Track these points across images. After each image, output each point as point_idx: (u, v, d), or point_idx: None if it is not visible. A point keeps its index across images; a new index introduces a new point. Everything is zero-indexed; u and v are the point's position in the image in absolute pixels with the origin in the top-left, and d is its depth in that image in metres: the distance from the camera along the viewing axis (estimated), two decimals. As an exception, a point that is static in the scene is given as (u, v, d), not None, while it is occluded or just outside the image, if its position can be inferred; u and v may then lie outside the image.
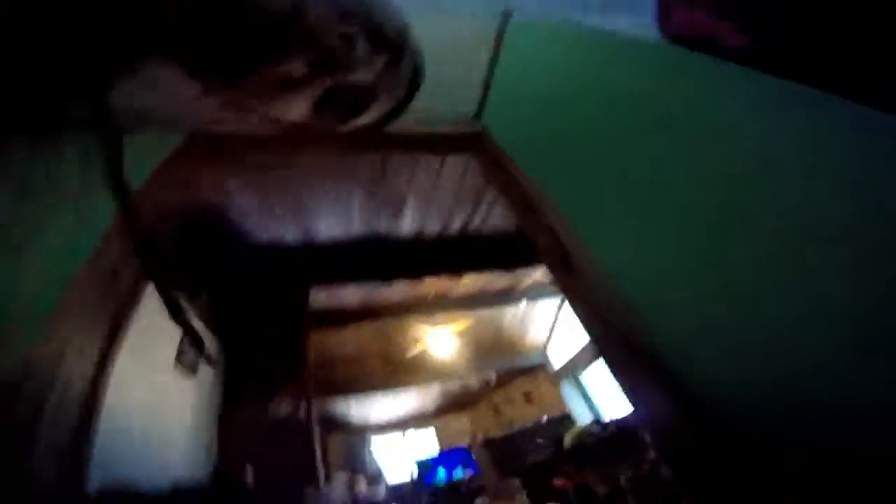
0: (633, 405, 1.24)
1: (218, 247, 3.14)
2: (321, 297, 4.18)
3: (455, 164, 2.78)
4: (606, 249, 1.26)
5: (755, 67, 0.80)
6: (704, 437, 0.98)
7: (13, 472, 0.70)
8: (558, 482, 3.84)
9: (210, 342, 3.32)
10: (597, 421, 5.10)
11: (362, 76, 0.59)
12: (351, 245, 3.44)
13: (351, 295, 4.31)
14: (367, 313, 4.63)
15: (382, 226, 3.35)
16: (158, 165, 1.28)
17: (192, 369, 2.97)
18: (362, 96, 0.62)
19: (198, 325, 3.11)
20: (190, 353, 2.93)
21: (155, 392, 2.61)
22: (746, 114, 0.87)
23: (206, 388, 3.24)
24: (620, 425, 3.71)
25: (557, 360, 6.37)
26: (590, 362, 5.73)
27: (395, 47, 0.65)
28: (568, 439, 3.95)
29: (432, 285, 4.45)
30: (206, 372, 3.23)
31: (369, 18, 0.57)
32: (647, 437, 3.04)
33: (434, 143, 1.97)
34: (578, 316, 1.42)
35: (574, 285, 1.39)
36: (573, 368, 6.05)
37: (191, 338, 2.90)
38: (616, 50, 1.23)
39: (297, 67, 0.53)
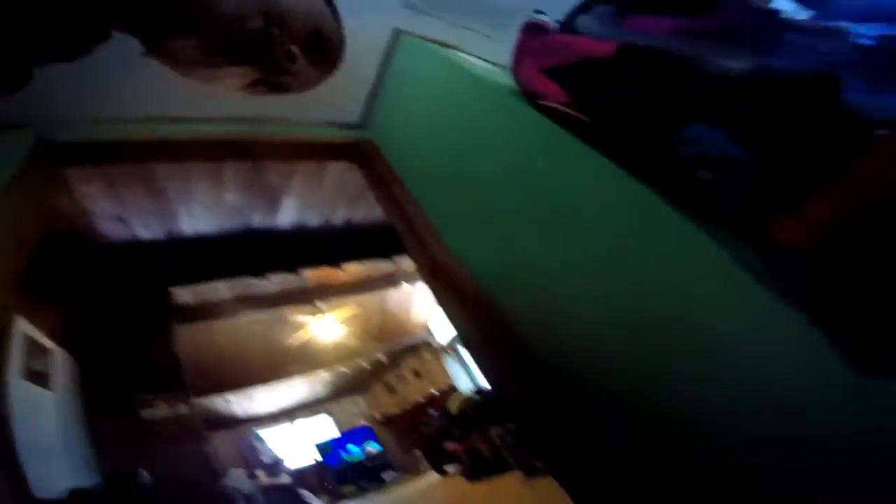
0: (486, 379, 1.56)
1: (72, 254, 2.85)
2: (189, 294, 4.00)
3: (338, 166, 2.84)
4: (470, 255, 1.54)
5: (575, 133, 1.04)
6: (537, 397, 1.31)
7: None
8: (451, 447, 4.24)
9: (58, 352, 3.05)
10: (477, 389, 5.69)
11: (292, 79, 0.73)
12: (222, 240, 3.33)
13: (223, 289, 4.18)
14: (243, 306, 4.52)
15: (257, 221, 3.30)
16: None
17: (39, 379, 2.75)
18: (285, 88, 0.76)
19: (40, 337, 2.86)
20: (35, 365, 2.72)
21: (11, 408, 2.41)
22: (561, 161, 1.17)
23: (66, 398, 3.02)
24: (489, 392, 4.21)
25: (440, 336, 6.87)
26: (468, 336, 6.28)
27: (328, 65, 0.79)
28: (453, 407, 4.41)
29: (313, 276, 4.50)
30: (61, 383, 3.00)
31: (316, 41, 0.71)
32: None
33: (314, 151, 2.00)
34: (447, 315, 1.68)
35: (442, 290, 1.64)
36: (453, 344, 6.59)
37: (32, 350, 2.70)
38: (482, 88, 1.45)
39: (244, 61, 0.66)
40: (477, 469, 3.87)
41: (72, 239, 2.73)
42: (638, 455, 1.02)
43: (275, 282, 4.35)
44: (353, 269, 4.71)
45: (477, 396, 4.61)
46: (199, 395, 5.63)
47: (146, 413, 3.34)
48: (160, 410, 3.41)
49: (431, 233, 1.57)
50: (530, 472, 2.89)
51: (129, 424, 3.22)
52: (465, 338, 1.58)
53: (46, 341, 2.92)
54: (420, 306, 6.41)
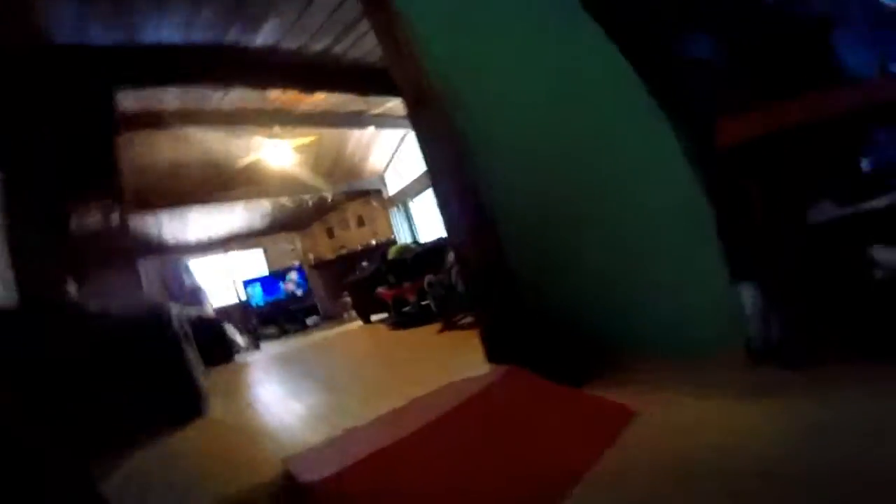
0: (447, 223, 1.72)
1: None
2: (134, 102, 3.48)
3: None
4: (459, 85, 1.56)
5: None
6: (491, 253, 1.52)
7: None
8: (381, 291, 4.35)
9: None
10: (414, 241, 5.96)
11: None
12: (186, 50, 2.88)
13: (172, 100, 3.68)
14: (193, 119, 4.06)
15: (231, 37, 2.89)
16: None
17: None
18: None
19: None
20: None
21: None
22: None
23: None
24: (431, 245, 4.32)
25: (392, 187, 6.90)
26: (418, 193, 6.43)
27: None
28: (392, 252, 4.49)
29: (275, 98, 4.10)
30: None
31: None
32: (450, 253, 3.39)
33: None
34: (420, 142, 1.75)
35: (422, 117, 1.66)
36: (403, 196, 6.70)
37: None
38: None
39: None
40: (400, 318, 4.02)
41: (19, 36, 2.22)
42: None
43: (231, 98, 3.92)
44: (319, 100, 4.36)
45: (416, 247, 4.66)
46: (132, 211, 5.27)
47: (75, 223, 3.14)
48: (92, 220, 3.23)
49: (419, 60, 1.57)
50: (448, 326, 3.06)
51: (59, 237, 3.04)
52: (433, 174, 1.72)
53: None
54: (379, 153, 6.25)
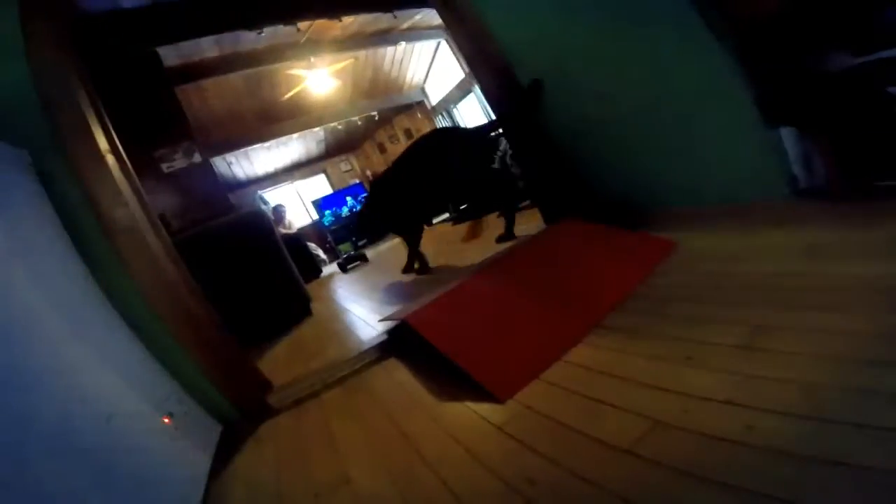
0: (494, 110, 1.94)
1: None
2: (176, 56, 3.71)
3: None
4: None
5: None
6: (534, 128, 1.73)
7: None
8: None
9: None
10: None
11: None
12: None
13: (210, 49, 3.86)
14: (234, 64, 4.25)
15: None
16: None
17: None
18: None
19: None
20: None
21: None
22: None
23: None
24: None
25: (433, 97, 6.79)
26: (460, 98, 6.29)
27: None
28: None
29: (305, 29, 4.12)
30: None
31: None
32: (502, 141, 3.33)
33: None
34: (458, 46, 1.94)
35: (455, 22, 1.83)
36: (446, 104, 6.59)
37: None
38: None
39: None
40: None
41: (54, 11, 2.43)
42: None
43: (265, 37, 4.01)
44: (348, 24, 4.30)
45: None
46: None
47: (165, 167, 3.62)
48: (178, 163, 3.68)
49: None
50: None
51: (154, 178, 3.54)
52: (474, 69, 1.97)
53: None
54: (416, 66, 6.10)
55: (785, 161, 1.11)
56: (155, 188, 3.47)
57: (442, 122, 6.88)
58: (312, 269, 4.97)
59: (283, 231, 5.80)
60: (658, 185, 1.48)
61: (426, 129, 7.31)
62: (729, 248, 1.10)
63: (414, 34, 4.79)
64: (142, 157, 3.44)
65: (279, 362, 1.80)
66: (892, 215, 0.88)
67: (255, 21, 3.44)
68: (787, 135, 1.10)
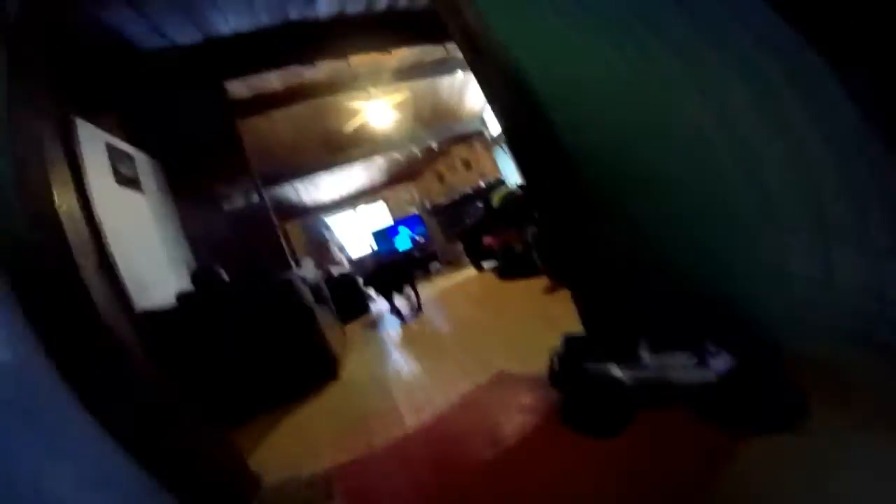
0: (524, 177, 1.58)
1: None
2: (244, 88, 3.87)
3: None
4: (511, 37, 1.39)
5: None
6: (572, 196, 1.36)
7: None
8: (487, 241, 4.16)
9: (139, 157, 3.19)
10: (520, 185, 5.61)
11: None
12: (262, 35, 3.08)
13: (274, 81, 4.00)
14: (295, 96, 4.39)
15: (294, 13, 2.96)
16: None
17: (135, 184, 2.98)
18: None
19: (121, 143, 2.95)
20: (124, 169, 2.89)
21: (115, 216, 2.63)
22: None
23: (157, 197, 3.29)
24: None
25: (492, 127, 6.61)
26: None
27: None
28: (495, 200, 4.20)
29: (361, 62, 4.15)
30: (150, 183, 3.24)
31: None
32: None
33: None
34: (483, 91, 1.61)
35: (480, 66, 1.54)
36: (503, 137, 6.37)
37: (116, 157, 2.83)
38: None
39: None
40: (508, 267, 3.81)
41: (113, 51, 2.60)
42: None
43: (324, 70, 4.09)
44: (402, 55, 4.28)
45: (520, 192, 4.24)
46: (270, 184, 6.09)
47: (226, 205, 3.66)
48: (237, 202, 3.71)
49: (470, 8, 1.47)
50: (553, 279, 2.81)
51: (213, 216, 3.60)
52: (496, 111, 1.58)
53: (127, 147, 3.04)
54: (474, 95, 5.99)
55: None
56: (212, 225, 3.59)
57: (502, 155, 6.67)
58: (360, 306, 4.88)
59: (333, 268, 5.89)
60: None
61: (485, 161, 7.14)
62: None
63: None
64: (200, 192, 3.62)
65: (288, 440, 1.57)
66: None
67: (305, 57, 3.50)
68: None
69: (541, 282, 2.98)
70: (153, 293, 2.44)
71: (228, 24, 2.89)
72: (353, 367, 2.52)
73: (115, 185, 2.78)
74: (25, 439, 0.69)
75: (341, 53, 3.51)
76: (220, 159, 3.70)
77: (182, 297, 2.21)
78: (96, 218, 1.17)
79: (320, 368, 2.36)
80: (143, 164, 3.21)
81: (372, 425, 1.42)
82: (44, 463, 0.70)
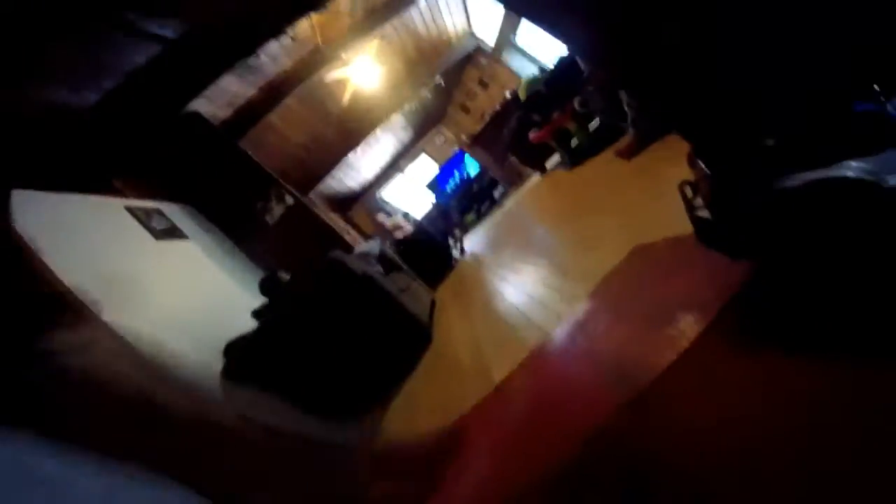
0: (565, 42, 1.35)
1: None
2: (215, 109, 3.93)
3: None
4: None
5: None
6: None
7: None
8: (534, 136, 3.80)
9: (166, 206, 3.39)
10: (540, 69, 5.06)
11: None
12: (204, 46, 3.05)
13: (239, 88, 4.01)
14: (275, 94, 4.36)
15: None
16: None
17: (175, 233, 3.19)
18: None
19: (141, 203, 3.17)
20: (156, 223, 3.08)
21: (168, 269, 2.79)
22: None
23: (203, 236, 3.47)
24: (557, 65, 3.58)
25: (487, 36, 6.03)
26: (516, 26, 5.41)
27: None
28: (522, 93, 3.89)
29: (314, 32, 3.99)
30: (190, 226, 3.44)
31: None
32: (582, 65, 2.93)
33: None
34: None
35: None
36: (505, 38, 5.77)
37: (144, 212, 3.02)
38: None
39: None
40: (572, 154, 3.47)
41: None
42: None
43: (284, 57, 3.99)
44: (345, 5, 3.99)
45: (543, 74, 3.92)
46: (312, 186, 6.31)
47: (268, 218, 3.90)
48: (277, 210, 3.95)
49: None
50: (639, 133, 2.25)
51: (262, 233, 3.82)
52: None
53: (149, 203, 3.22)
54: (451, 15, 5.45)
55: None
56: (267, 240, 3.79)
57: (510, 58, 6.09)
58: (443, 264, 4.74)
59: (398, 236, 5.86)
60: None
61: (498, 73, 6.58)
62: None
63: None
64: (239, 215, 3.84)
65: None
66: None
67: (246, 49, 3.44)
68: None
69: (609, 156, 2.66)
70: (239, 321, 2.33)
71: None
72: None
73: (155, 242, 2.91)
74: None
75: (277, 30, 3.42)
76: (241, 179, 3.86)
77: (256, 313, 2.30)
78: None
79: (410, 335, 2.28)
80: (174, 212, 3.38)
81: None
82: None
